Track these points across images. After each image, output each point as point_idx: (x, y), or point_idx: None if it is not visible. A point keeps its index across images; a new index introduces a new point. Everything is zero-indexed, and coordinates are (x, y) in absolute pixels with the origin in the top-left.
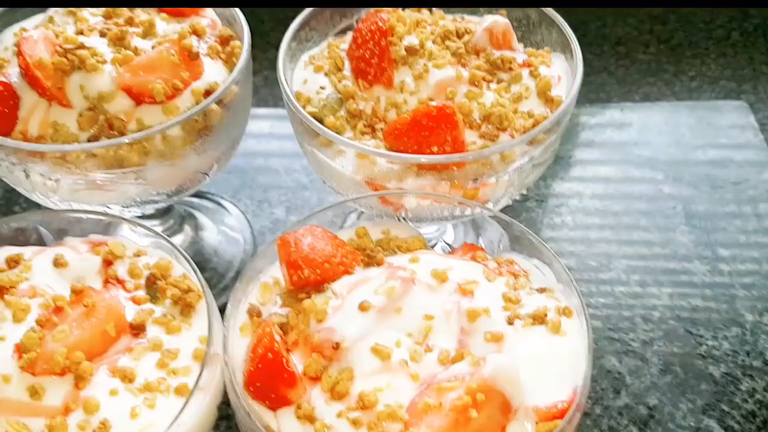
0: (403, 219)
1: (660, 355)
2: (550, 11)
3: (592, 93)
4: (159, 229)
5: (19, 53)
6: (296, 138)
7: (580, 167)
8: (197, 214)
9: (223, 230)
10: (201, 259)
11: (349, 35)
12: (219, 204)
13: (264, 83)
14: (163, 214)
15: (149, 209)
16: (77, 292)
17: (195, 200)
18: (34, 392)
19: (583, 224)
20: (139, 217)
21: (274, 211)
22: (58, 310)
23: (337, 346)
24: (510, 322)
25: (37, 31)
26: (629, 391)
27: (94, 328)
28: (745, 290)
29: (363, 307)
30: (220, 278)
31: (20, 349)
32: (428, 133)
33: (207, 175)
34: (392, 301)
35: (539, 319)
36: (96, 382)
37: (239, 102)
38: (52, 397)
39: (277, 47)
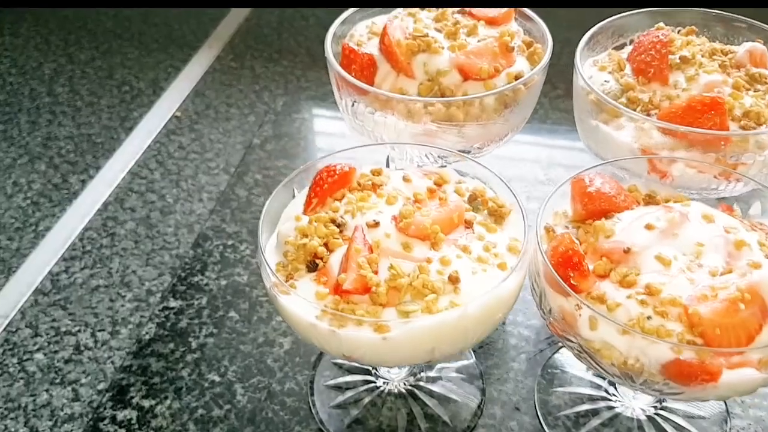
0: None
1: None
2: None
3: None
4: None
5: (383, 33)
6: (578, 116)
7: None
8: None
9: None
10: None
11: (626, 48)
12: None
13: None
14: None
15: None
16: (431, 191)
17: None
18: (407, 246)
19: None
20: None
21: None
22: (418, 200)
23: (627, 251)
24: (766, 257)
25: (396, 21)
26: None
27: (446, 213)
28: None
29: (648, 227)
30: None
31: (398, 218)
32: (700, 116)
33: (502, 139)
34: (671, 227)
35: None
36: (445, 248)
37: (536, 87)
38: (417, 252)
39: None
